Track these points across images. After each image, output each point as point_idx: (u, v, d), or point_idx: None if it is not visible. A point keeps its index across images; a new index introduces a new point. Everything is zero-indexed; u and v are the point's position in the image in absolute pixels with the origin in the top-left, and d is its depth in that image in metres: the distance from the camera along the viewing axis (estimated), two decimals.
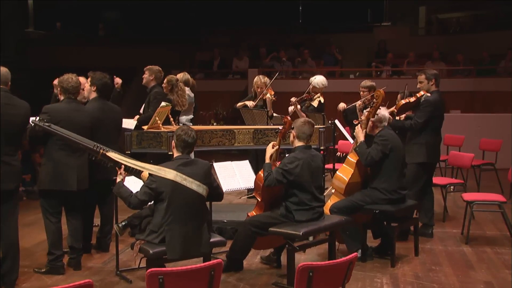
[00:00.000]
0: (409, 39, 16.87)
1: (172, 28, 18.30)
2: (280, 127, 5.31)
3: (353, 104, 7.51)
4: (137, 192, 4.53)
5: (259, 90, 7.98)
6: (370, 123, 5.75)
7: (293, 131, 5.21)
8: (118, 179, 4.69)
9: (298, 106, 7.81)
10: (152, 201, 4.56)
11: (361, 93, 7.52)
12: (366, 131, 5.76)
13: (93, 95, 5.80)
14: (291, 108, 7.96)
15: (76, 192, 5.33)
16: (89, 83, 5.81)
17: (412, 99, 6.52)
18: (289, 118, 5.37)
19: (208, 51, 16.42)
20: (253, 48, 16.67)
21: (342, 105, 7.98)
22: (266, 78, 8.13)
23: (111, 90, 6.10)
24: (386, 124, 5.77)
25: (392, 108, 6.56)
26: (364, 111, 6.06)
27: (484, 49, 14.54)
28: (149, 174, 4.49)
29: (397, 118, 6.56)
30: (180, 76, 7.62)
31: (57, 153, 5.25)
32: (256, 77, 8.18)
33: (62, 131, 4.98)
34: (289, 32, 18.38)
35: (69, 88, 5.37)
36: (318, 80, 8.07)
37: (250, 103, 7.99)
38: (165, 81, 7.27)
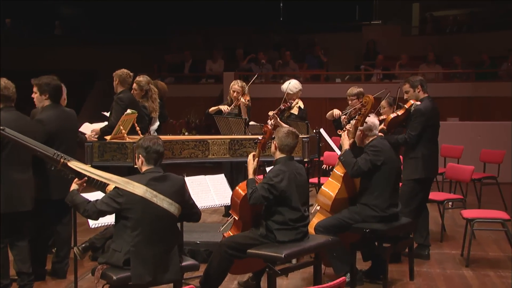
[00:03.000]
0: (401, 39, 17.07)
1: (138, 27, 18.25)
2: (260, 137, 5.30)
3: (343, 113, 7.46)
4: (96, 200, 4.43)
5: (235, 95, 7.99)
6: (359, 132, 5.76)
7: (274, 141, 5.21)
8: (73, 188, 4.58)
9: (279, 120, 7.44)
10: (113, 219, 4.51)
11: (349, 102, 7.47)
12: (354, 141, 5.77)
13: (47, 103, 5.72)
14: (270, 122, 7.78)
15: (27, 212, 5.27)
16: (38, 92, 5.72)
17: (401, 112, 6.48)
18: (269, 126, 5.36)
19: (179, 53, 16.42)
20: (228, 49, 16.72)
21: (337, 112, 7.70)
22: (243, 83, 8.16)
23: (62, 91, 6.03)
24: (377, 132, 5.79)
25: (382, 126, 6.51)
26: (351, 120, 6.05)
27: (484, 51, 14.72)
28: (115, 187, 4.43)
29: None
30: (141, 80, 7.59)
31: (5, 170, 5.13)
32: (234, 81, 8.23)
33: (18, 136, 4.77)
34: (268, 32, 18.46)
35: (11, 95, 5.30)
36: (291, 85, 7.98)
37: (224, 108, 7.98)
38: (134, 86, 7.24)
